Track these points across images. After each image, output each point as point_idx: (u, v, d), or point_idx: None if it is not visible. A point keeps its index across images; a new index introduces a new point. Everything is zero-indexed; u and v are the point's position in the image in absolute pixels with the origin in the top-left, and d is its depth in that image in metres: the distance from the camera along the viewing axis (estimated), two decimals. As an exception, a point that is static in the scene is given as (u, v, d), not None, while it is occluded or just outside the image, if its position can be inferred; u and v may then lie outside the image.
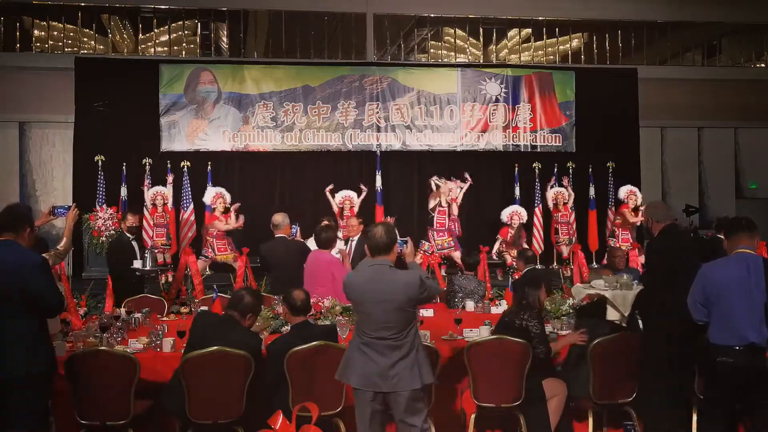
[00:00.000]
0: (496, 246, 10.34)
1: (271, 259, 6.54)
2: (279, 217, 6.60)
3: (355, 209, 10.11)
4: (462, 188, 10.39)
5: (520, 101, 11.95)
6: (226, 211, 9.83)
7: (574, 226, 10.86)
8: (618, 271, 5.92)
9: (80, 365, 4.01)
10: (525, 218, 10.47)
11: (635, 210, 10.26)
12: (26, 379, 3.52)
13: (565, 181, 11.03)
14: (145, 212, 10.10)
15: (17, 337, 3.51)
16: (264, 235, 7.03)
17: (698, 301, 3.84)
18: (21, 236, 3.68)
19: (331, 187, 10.35)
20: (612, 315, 4.49)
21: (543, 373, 4.45)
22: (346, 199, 10.15)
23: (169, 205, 10.15)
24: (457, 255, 9.93)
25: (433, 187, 10.37)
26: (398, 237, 3.87)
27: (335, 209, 10.10)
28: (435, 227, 10.09)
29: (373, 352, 3.60)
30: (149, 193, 10.08)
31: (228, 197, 9.97)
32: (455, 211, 10.22)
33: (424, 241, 10.11)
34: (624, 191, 10.55)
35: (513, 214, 10.43)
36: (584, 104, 12.05)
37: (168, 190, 10.16)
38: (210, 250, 9.76)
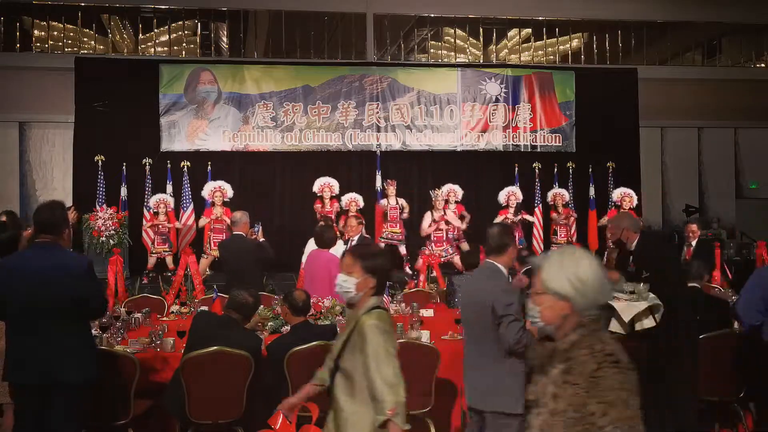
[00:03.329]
0: None
1: (224, 257, 6.57)
2: (238, 215, 6.58)
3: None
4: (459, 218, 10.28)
5: (520, 101, 11.95)
6: (226, 204, 9.87)
7: (574, 227, 10.85)
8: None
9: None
10: (521, 198, 10.53)
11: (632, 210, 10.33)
12: (73, 385, 3.50)
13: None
14: (145, 212, 10.10)
15: (64, 341, 3.49)
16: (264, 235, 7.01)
17: (758, 308, 4.05)
18: (60, 237, 3.64)
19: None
20: (615, 327, 4.34)
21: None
22: (351, 201, 10.13)
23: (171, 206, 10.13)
24: (457, 260, 9.92)
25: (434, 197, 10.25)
26: (514, 240, 3.66)
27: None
28: (433, 240, 10.04)
29: (466, 358, 3.55)
30: (152, 200, 10.05)
31: (229, 191, 9.97)
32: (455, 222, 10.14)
33: (424, 248, 10.07)
34: (618, 193, 10.56)
35: (509, 194, 10.49)
36: (584, 104, 12.05)
37: (170, 198, 10.13)
38: (208, 246, 9.79)
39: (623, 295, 4.41)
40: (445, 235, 10.04)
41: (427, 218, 10.07)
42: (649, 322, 4.29)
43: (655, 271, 4.49)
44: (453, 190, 10.34)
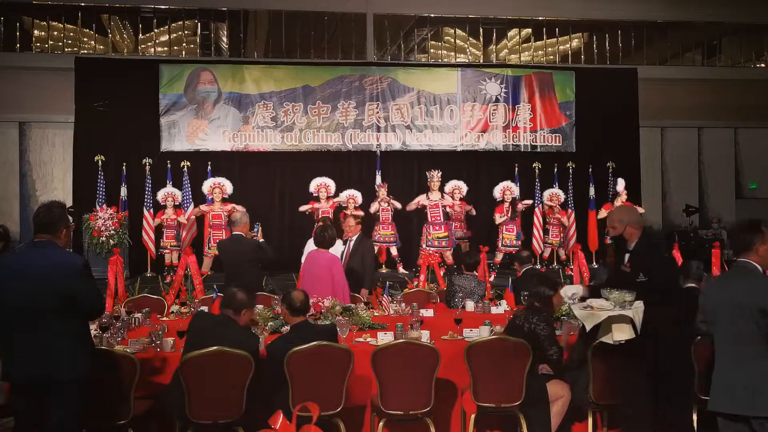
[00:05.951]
0: (499, 239, 10.47)
1: (223, 257, 6.56)
2: (237, 215, 6.57)
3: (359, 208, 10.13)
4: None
5: (520, 101, 11.95)
6: (226, 201, 9.86)
7: (574, 227, 10.85)
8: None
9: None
10: (516, 193, 10.59)
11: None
12: (68, 383, 3.47)
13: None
14: (145, 212, 10.09)
15: (59, 340, 3.47)
16: (264, 236, 7.02)
17: None
18: (58, 237, 3.61)
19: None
20: (620, 335, 4.08)
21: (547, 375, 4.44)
22: (350, 198, 10.15)
23: (178, 199, 10.15)
24: (447, 255, 9.94)
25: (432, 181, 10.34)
26: (762, 235, 3.36)
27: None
28: (430, 221, 10.12)
29: (720, 362, 3.39)
30: (159, 195, 10.05)
31: (228, 187, 9.97)
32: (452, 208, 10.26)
33: (422, 245, 10.10)
34: (623, 183, 10.72)
35: (504, 189, 10.54)
36: (584, 104, 12.05)
37: (177, 192, 10.15)
38: (207, 246, 9.78)
39: (601, 303, 4.13)
40: (442, 218, 10.10)
41: (417, 199, 10.21)
42: (627, 334, 4.05)
43: (657, 273, 4.23)
44: (458, 187, 10.43)
